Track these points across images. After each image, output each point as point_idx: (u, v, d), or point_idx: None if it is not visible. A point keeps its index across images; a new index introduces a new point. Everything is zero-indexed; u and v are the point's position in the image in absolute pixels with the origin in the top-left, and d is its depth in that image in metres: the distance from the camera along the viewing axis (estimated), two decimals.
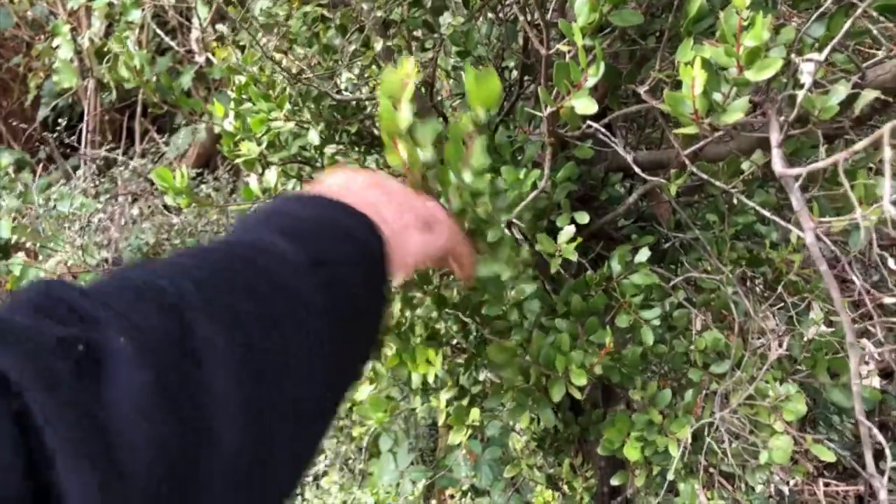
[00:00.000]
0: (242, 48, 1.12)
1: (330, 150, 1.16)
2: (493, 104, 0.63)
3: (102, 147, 4.45)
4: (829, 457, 1.01)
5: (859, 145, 0.52)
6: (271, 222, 0.43)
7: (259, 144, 1.14)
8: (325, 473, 1.63)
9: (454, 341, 1.19)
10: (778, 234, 1.12)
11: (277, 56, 0.99)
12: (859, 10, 0.68)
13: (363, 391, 1.30)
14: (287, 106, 1.05)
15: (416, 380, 1.08)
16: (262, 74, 1.03)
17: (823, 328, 1.21)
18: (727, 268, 1.05)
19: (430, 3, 1.01)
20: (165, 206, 3.55)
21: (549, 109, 0.83)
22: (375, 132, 1.12)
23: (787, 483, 2.48)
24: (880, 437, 0.68)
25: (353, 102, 1.07)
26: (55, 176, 4.40)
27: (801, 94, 0.67)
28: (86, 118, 4.67)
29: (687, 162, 0.92)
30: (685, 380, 1.16)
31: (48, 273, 2.64)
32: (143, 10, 4.05)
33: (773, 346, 1.04)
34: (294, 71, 1.00)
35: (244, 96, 1.13)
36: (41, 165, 4.36)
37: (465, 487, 2.22)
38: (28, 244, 2.87)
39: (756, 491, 1.93)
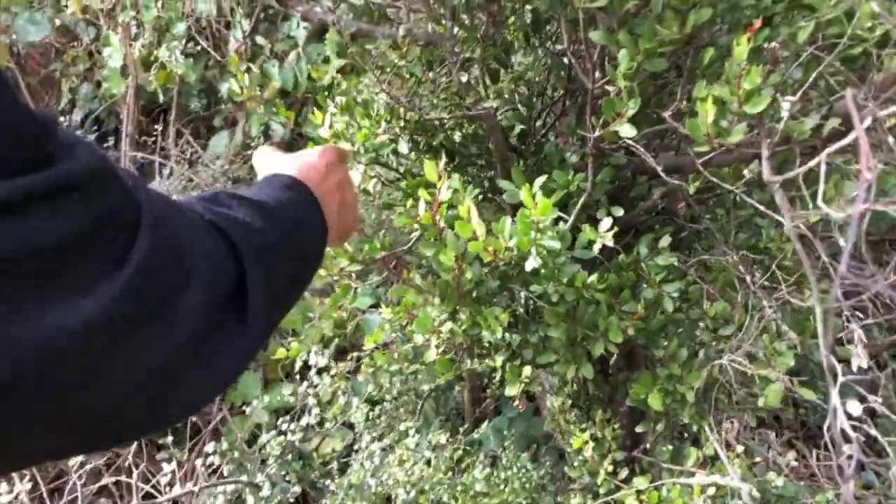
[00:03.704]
0: (343, 73, 1.40)
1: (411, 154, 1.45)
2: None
3: (139, 152, 4.74)
4: (811, 395, 1.29)
5: (812, 163, 0.80)
6: (300, 213, 0.70)
7: (353, 146, 1.43)
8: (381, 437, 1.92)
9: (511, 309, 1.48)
10: (775, 229, 1.39)
11: (380, 84, 1.27)
12: (825, 62, 0.96)
13: (431, 354, 1.58)
14: (384, 124, 1.34)
15: (486, 337, 1.37)
16: (369, 101, 1.32)
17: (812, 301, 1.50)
18: (732, 252, 1.34)
19: (499, 42, 1.30)
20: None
21: (597, 132, 1.12)
22: (452, 144, 1.42)
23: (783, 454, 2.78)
24: (837, 367, 0.96)
25: (436, 121, 1.36)
26: None
27: (782, 123, 0.95)
28: (125, 122, 4.96)
29: (701, 168, 1.20)
30: (698, 341, 1.45)
31: None
32: (187, 23, 4.33)
33: (767, 314, 1.33)
34: (390, 96, 1.28)
35: (344, 113, 1.42)
36: None
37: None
38: None
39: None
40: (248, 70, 4.46)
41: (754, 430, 1.86)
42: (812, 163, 0.84)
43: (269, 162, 0.83)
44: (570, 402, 1.77)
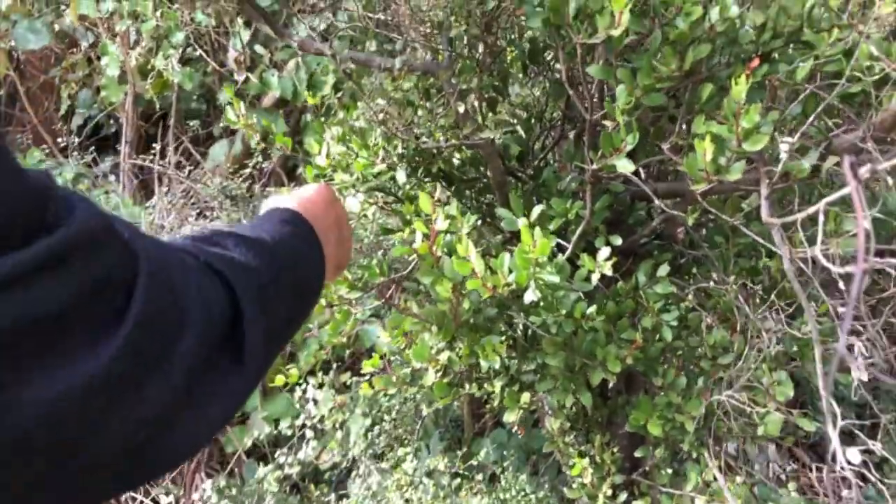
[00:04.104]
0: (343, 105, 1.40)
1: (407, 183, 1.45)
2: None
3: (138, 158, 4.73)
4: (810, 427, 1.28)
5: (811, 210, 0.80)
6: (298, 248, 0.71)
7: (351, 176, 1.43)
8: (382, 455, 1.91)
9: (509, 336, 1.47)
10: (773, 259, 1.39)
11: (376, 117, 1.27)
12: (825, 103, 0.95)
13: (430, 378, 1.58)
14: (381, 153, 1.34)
15: (484, 365, 1.36)
16: (367, 130, 1.31)
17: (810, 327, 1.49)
18: (731, 279, 1.33)
19: (497, 72, 1.29)
20: (204, 215, 3.82)
21: (594, 165, 1.11)
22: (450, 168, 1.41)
23: (784, 469, 2.78)
24: (837, 411, 0.95)
25: (434, 149, 1.35)
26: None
27: (781, 163, 0.95)
28: (125, 129, 4.96)
29: (699, 199, 1.20)
30: (697, 369, 1.44)
31: None
32: (185, 32, 4.32)
33: (766, 341, 1.32)
34: (387, 127, 1.28)
35: (340, 143, 1.41)
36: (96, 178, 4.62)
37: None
38: None
39: (755, 468, 2.21)
40: (247, 80, 4.41)
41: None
42: (811, 209, 0.84)
43: (278, 197, 0.83)
44: (568, 424, 1.76)
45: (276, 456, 1.81)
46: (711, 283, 1.45)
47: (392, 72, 1.22)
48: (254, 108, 4.58)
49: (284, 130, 4.41)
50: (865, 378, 1.16)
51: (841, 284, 1.25)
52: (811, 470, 3.02)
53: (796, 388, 1.77)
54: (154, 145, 4.43)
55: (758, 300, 1.53)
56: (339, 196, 0.88)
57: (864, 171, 0.68)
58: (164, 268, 0.49)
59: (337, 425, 1.69)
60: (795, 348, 1.42)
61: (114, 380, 0.41)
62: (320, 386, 1.79)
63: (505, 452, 2.49)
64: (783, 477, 2.80)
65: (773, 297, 1.30)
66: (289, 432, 1.82)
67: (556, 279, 1.17)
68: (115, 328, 0.42)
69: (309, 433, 1.77)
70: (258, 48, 4.52)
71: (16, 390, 0.37)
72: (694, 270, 1.55)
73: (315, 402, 1.74)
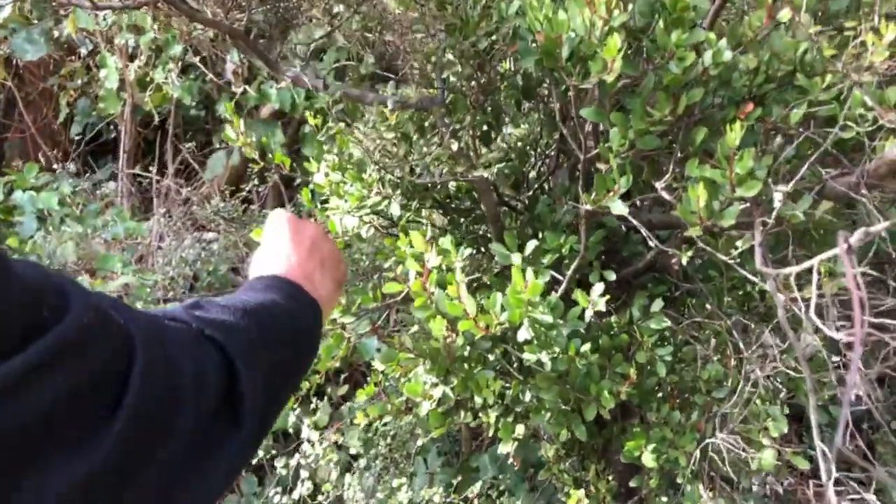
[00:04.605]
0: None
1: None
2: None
3: (137, 166, 4.73)
4: (804, 465, 1.28)
5: (805, 265, 0.79)
6: (284, 307, 0.70)
7: (346, 203, 1.43)
8: (379, 476, 1.90)
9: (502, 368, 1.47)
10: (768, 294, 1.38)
11: (369, 149, 1.27)
12: (820, 150, 0.95)
13: (424, 408, 1.57)
14: (375, 186, 1.34)
15: (478, 401, 1.36)
16: (361, 162, 1.31)
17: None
18: (724, 316, 1.33)
19: (490, 109, 1.29)
20: (202, 226, 3.81)
21: (588, 206, 1.11)
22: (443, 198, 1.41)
23: (781, 483, 2.76)
24: (818, 443, 0.95)
25: (428, 183, 1.35)
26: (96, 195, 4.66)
27: (775, 211, 0.94)
28: (123, 139, 4.95)
29: (694, 237, 1.19)
30: (692, 401, 1.44)
31: (111, 292, 2.92)
32: (183, 45, 4.30)
33: (760, 376, 1.32)
34: (380, 164, 1.28)
35: (336, 171, 1.41)
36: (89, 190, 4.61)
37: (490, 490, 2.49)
38: (91, 265, 3.15)
39: (752, 491, 2.21)
40: (244, 92, 4.40)
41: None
42: (806, 265, 0.84)
43: (257, 259, 0.83)
44: (564, 451, 1.76)
45: (270, 495, 1.80)
46: (706, 318, 1.45)
47: (385, 107, 1.22)
48: (252, 119, 4.58)
49: (283, 141, 4.41)
50: (863, 393, 1.16)
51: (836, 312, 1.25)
52: (809, 486, 3.01)
53: (797, 414, 1.76)
54: (154, 153, 4.43)
55: (753, 326, 1.52)
56: (321, 232, 0.88)
57: (855, 239, 0.68)
58: (160, 345, 0.50)
59: (332, 464, 1.68)
60: (790, 381, 1.42)
61: (110, 474, 0.42)
62: (316, 428, 1.78)
63: (502, 476, 2.48)
64: (780, 491, 2.79)
65: (767, 331, 1.29)
66: (283, 472, 1.82)
67: (549, 318, 1.16)
68: (109, 424, 0.43)
69: (304, 473, 1.76)
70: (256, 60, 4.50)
71: (13, 492, 0.37)
72: (690, 300, 1.55)
73: (311, 442, 1.73)
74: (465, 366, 1.35)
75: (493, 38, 1.13)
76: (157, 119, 4.37)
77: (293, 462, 1.80)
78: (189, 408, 0.49)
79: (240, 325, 0.60)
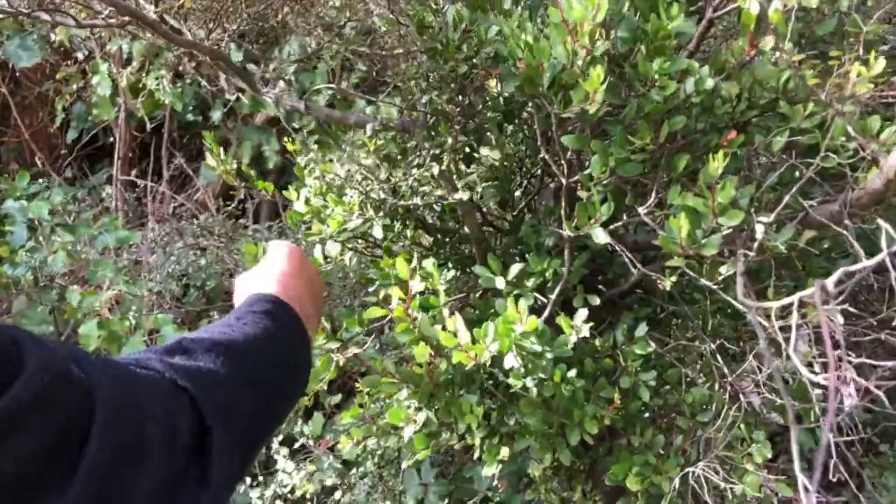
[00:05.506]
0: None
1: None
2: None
3: (133, 171, 4.71)
4: (788, 492, 1.27)
5: (786, 300, 0.78)
6: (276, 341, 0.69)
7: (329, 227, 1.41)
8: (368, 493, 1.89)
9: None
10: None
11: (350, 172, 1.25)
12: (803, 179, 0.94)
13: (409, 431, 1.56)
14: (357, 210, 1.32)
15: (461, 426, 1.34)
16: (343, 187, 1.30)
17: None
18: (709, 339, 1.32)
19: (472, 131, 1.28)
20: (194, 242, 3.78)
21: (570, 233, 1.10)
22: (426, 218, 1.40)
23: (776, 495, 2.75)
24: (800, 476, 0.94)
25: (411, 205, 1.34)
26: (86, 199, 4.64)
27: (757, 241, 0.93)
28: (117, 146, 4.93)
29: (678, 263, 1.18)
30: (676, 424, 1.42)
31: (102, 302, 2.89)
32: (175, 52, 4.29)
33: (743, 400, 1.30)
34: (362, 190, 1.27)
35: (317, 196, 1.40)
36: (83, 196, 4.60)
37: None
38: (82, 274, 3.13)
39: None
40: (238, 99, 4.37)
41: None
42: (785, 300, 0.82)
43: (246, 282, 0.82)
44: (551, 471, 1.74)
45: None
46: (689, 341, 1.44)
47: (367, 133, 1.21)
48: (247, 126, 4.57)
49: (277, 148, 4.40)
50: (857, 401, 1.15)
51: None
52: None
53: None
54: (149, 158, 4.41)
55: (738, 349, 1.51)
56: (306, 255, 0.89)
57: (832, 281, 0.67)
58: (127, 397, 0.48)
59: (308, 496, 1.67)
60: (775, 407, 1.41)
61: None
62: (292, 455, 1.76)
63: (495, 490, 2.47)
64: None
65: (751, 357, 1.28)
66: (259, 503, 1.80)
67: (538, 349, 1.16)
68: (69, 483, 0.41)
69: None
70: (250, 66, 4.51)
71: None
72: (675, 322, 1.54)
73: (287, 472, 1.71)
74: (448, 392, 1.34)
75: (475, 61, 1.12)
76: (150, 125, 4.36)
77: (268, 493, 1.78)
78: (158, 462, 0.48)
79: (219, 373, 0.59)
